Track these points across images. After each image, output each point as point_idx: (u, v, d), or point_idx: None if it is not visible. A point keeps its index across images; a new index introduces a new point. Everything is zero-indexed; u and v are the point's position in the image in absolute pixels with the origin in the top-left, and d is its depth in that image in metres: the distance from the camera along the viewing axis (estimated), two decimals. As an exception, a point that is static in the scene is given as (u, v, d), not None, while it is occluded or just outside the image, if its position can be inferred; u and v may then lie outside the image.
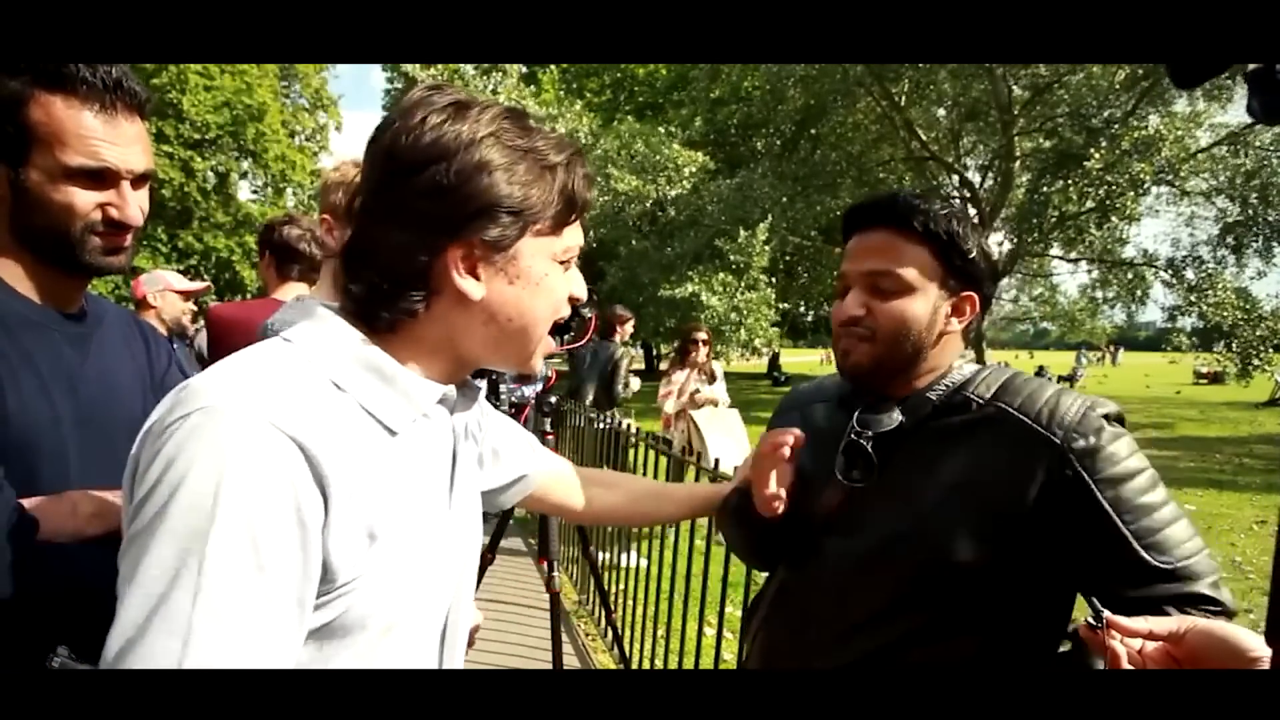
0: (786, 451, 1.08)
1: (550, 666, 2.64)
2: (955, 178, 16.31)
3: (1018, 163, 14.68)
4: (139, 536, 0.57)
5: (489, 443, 1.04)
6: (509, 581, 4.00)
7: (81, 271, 0.97)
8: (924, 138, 15.52)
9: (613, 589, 3.40)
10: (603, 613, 3.24)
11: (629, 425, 3.44)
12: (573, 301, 0.79)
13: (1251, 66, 0.42)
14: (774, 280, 14.49)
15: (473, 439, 0.96)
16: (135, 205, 0.96)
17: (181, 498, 0.56)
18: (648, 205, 14.79)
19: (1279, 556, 0.42)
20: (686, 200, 14.67)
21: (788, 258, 17.35)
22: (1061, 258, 16.94)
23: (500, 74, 15.42)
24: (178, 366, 1.17)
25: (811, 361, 34.97)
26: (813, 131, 16.21)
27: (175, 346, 2.74)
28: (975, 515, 0.95)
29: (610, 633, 3.16)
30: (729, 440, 4.77)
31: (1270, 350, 13.32)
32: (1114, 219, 14.21)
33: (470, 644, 0.96)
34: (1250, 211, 14.12)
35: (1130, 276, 16.39)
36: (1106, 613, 0.75)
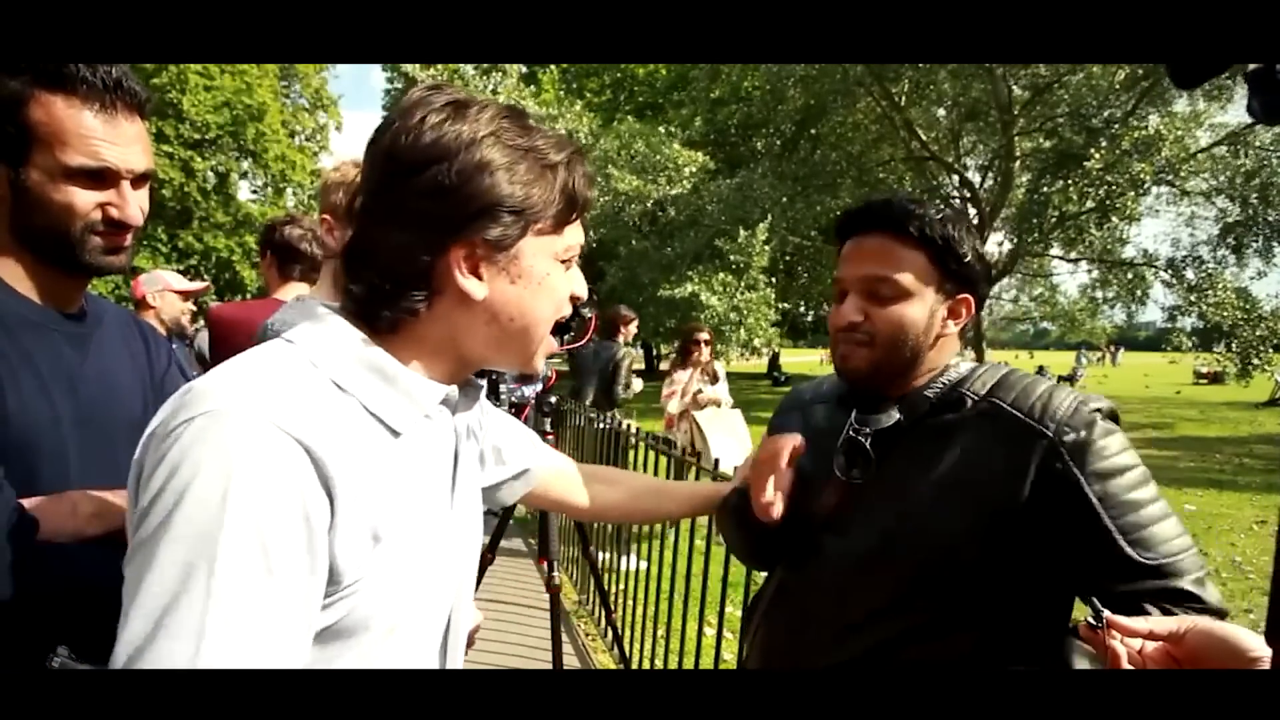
0: (784, 460, 1.09)
1: (550, 666, 2.64)
2: (955, 178, 16.31)
3: (1018, 163, 14.67)
4: (147, 542, 0.57)
5: (490, 440, 1.04)
6: (509, 581, 4.00)
7: (81, 271, 0.97)
8: (924, 138, 15.51)
9: (613, 589, 3.41)
10: (603, 613, 3.24)
11: (629, 425, 3.44)
12: (574, 301, 0.79)
13: (1251, 66, 0.42)
14: (774, 280, 14.48)
15: (474, 437, 0.96)
16: (135, 205, 0.96)
17: (189, 502, 0.56)
18: (648, 205, 14.78)
19: (1279, 556, 0.42)
20: (686, 200, 14.66)
21: (788, 258, 17.34)
22: (1061, 258, 16.93)
23: (500, 74, 15.43)
24: (177, 367, 1.17)
25: (811, 361, 34.96)
26: (813, 131, 16.21)
27: (175, 346, 2.74)
28: (971, 510, 0.97)
29: (610, 633, 3.16)
30: (731, 440, 4.77)
31: (1270, 350, 13.31)
32: (1114, 219, 14.20)
33: (470, 644, 0.96)
34: (1250, 211, 14.10)
35: (1130, 276, 16.38)
36: (1107, 613, 0.75)
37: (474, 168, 0.68)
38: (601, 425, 3.77)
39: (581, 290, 0.79)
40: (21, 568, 0.80)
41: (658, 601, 2.86)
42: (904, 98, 14.91)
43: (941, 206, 1.07)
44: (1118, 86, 13.10)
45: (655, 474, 2.88)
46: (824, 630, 1.06)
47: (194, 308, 3.31)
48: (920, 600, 0.99)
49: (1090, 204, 13.80)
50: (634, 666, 2.97)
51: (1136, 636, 0.74)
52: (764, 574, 1.28)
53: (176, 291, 3.16)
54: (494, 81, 15.27)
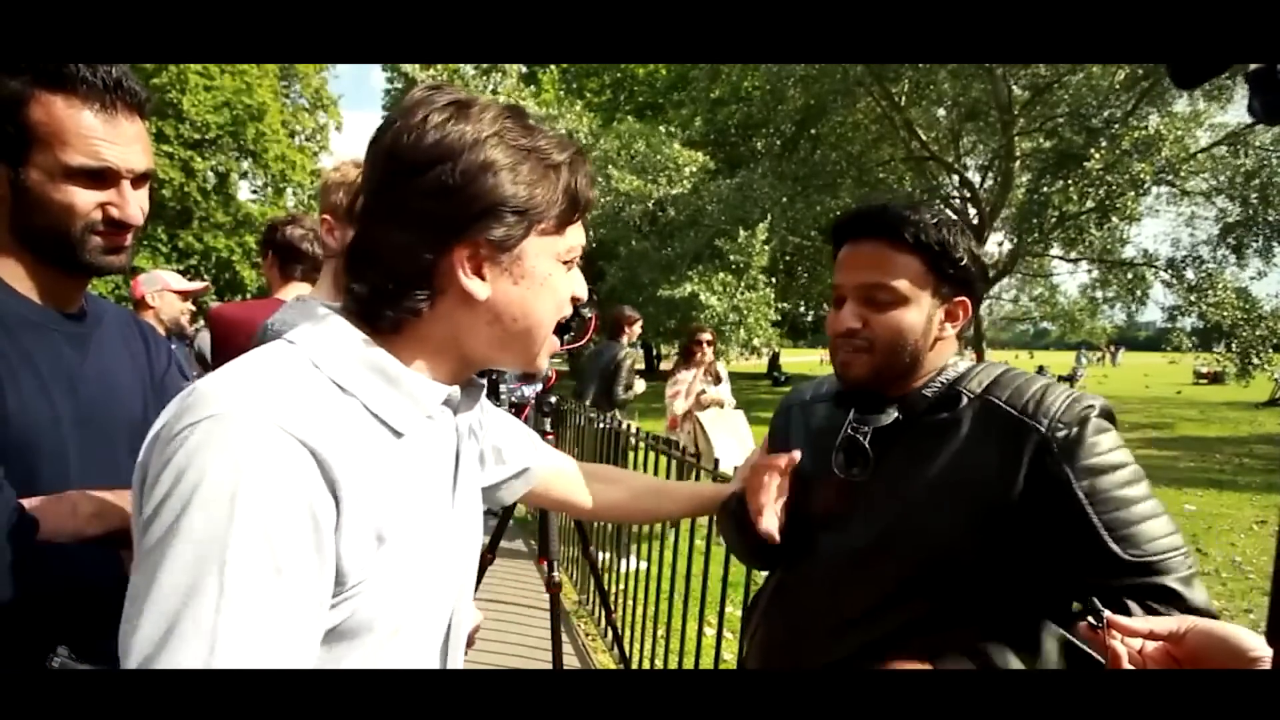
0: (774, 493, 1.11)
1: (550, 666, 2.64)
2: (955, 178, 16.31)
3: (1018, 163, 14.66)
4: (155, 546, 0.57)
5: (490, 439, 1.04)
6: (509, 581, 4.00)
7: (81, 271, 0.97)
8: (924, 138, 15.50)
9: (613, 589, 3.41)
10: (603, 613, 3.24)
11: (629, 426, 3.44)
12: (574, 301, 0.79)
13: (1251, 66, 0.42)
14: (774, 280, 14.47)
15: (474, 437, 0.96)
16: (135, 205, 0.96)
17: (197, 506, 0.56)
18: (648, 205, 14.77)
19: (1279, 557, 0.42)
20: (686, 200, 14.65)
21: (788, 258, 17.33)
22: (1061, 258, 16.92)
23: (500, 74, 15.42)
24: (177, 367, 1.17)
25: (811, 361, 34.94)
26: (813, 131, 16.19)
27: (174, 346, 2.74)
28: (967, 506, 0.98)
29: (610, 633, 3.16)
30: (734, 441, 4.78)
31: (1270, 350, 13.31)
32: (1114, 219, 14.21)
33: (470, 644, 0.96)
34: (1250, 211, 14.09)
35: (1130, 276, 16.37)
36: (1107, 612, 0.75)
37: (478, 168, 0.68)
38: (602, 425, 3.77)
39: (582, 291, 0.80)
40: (21, 568, 0.80)
41: (658, 601, 2.86)
42: (904, 98, 14.91)
43: (935, 210, 1.08)
44: (1118, 86, 13.10)
45: (655, 474, 2.89)
46: (821, 626, 1.07)
47: (193, 308, 3.31)
48: (918, 595, 1.00)
49: (1090, 204, 13.79)
50: (634, 666, 2.97)
51: (1137, 636, 0.74)
52: (764, 574, 1.28)
53: (175, 291, 3.16)
54: (494, 81, 15.28)
